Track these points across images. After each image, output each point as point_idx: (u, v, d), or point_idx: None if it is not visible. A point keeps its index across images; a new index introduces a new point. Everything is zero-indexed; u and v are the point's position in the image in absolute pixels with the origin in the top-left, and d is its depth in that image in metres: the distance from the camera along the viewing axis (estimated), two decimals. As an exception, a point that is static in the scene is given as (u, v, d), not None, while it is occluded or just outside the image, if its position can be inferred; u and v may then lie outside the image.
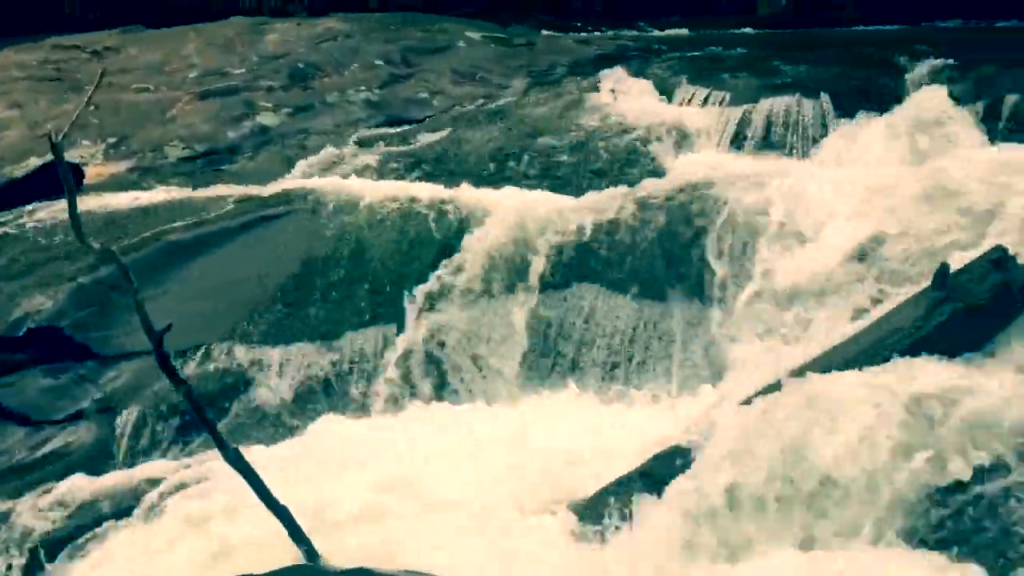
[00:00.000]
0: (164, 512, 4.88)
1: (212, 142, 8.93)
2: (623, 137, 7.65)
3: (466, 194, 6.82)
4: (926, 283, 4.77)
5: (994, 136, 6.63)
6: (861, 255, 5.47)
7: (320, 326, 6.17)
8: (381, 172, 7.71)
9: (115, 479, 5.29)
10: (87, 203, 7.24)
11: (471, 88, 9.66)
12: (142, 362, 5.84)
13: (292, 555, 4.30)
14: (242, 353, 6.03)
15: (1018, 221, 5.11)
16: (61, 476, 5.36)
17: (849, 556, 3.85)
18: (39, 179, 7.68)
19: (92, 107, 9.28)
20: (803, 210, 5.90)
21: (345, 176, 7.55)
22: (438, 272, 6.28)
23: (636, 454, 4.77)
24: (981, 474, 3.89)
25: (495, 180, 7.31)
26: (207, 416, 4.54)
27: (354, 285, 6.36)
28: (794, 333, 5.39)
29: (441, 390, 5.93)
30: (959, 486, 3.90)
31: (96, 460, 5.55)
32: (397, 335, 6.09)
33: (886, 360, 4.38)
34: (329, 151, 8.27)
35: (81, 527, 4.97)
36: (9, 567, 4.89)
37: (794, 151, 7.17)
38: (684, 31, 12.80)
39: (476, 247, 6.30)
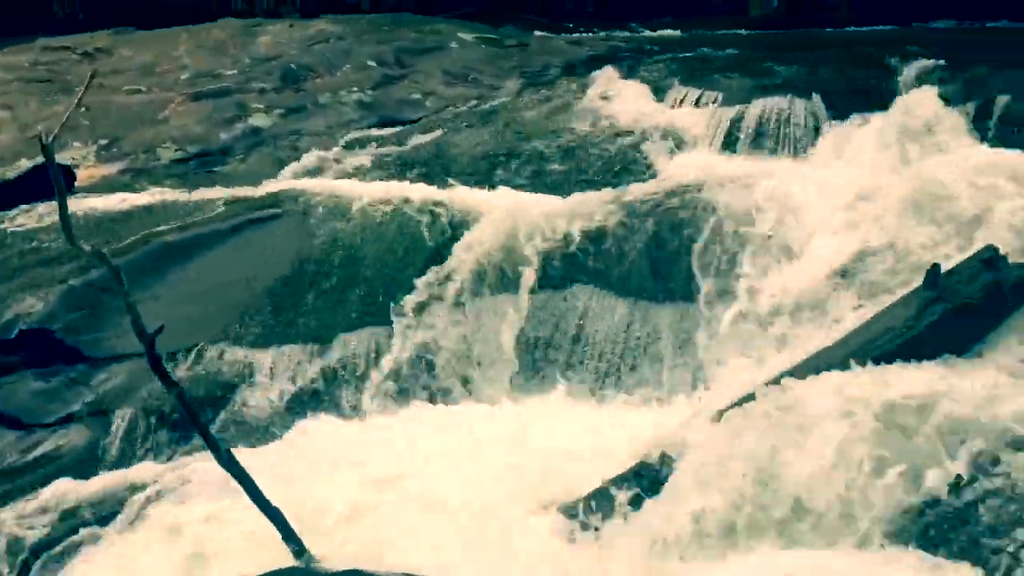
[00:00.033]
0: (147, 518, 4.86)
1: (204, 144, 8.92)
2: (615, 138, 7.66)
3: (459, 195, 6.82)
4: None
5: (985, 136, 6.65)
6: (844, 273, 5.40)
7: (312, 328, 6.16)
8: (373, 173, 7.70)
9: (102, 483, 5.27)
10: (78, 205, 7.22)
11: (464, 89, 9.67)
12: (133, 364, 5.83)
13: (280, 558, 4.28)
14: (234, 355, 6.02)
15: (1005, 226, 5.10)
16: (52, 479, 5.35)
17: (835, 556, 3.81)
18: (30, 181, 7.66)
19: (83, 109, 9.27)
20: (791, 219, 5.86)
21: (337, 177, 7.54)
22: (429, 274, 6.26)
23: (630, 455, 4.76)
24: (962, 478, 3.83)
25: (487, 181, 7.30)
26: (199, 418, 4.53)
27: (346, 287, 6.35)
28: (778, 350, 5.32)
29: (432, 392, 5.92)
30: (947, 482, 3.84)
31: (87, 463, 5.53)
32: (388, 337, 6.08)
33: (877, 361, 4.37)
34: (321, 152, 8.26)
35: (62, 535, 4.94)
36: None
37: (786, 152, 7.17)
38: (676, 32, 12.83)
39: (467, 251, 6.29)
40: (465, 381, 5.96)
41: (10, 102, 9.93)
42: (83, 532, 4.91)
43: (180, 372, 5.87)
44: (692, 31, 12.74)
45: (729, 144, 7.33)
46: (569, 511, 4.55)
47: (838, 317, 5.14)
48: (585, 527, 4.44)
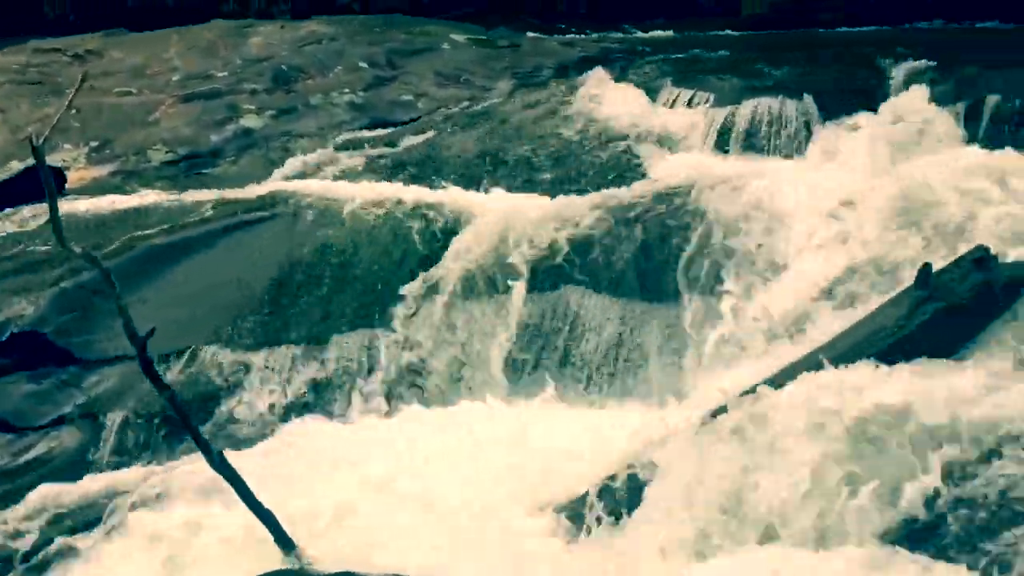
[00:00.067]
0: (127, 525, 4.83)
1: (195, 145, 8.91)
2: (607, 139, 7.66)
3: (451, 197, 6.82)
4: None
5: (976, 136, 6.67)
6: (830, 292, 5.36)
7: (304, 330, 6.14)
8: (365, 175, 7.69)
9: (85, 488, 5.24)
10: (69, 207, 7.19)
11: (455, 90, 9.67)
12: (125, 367, 5.81)
13: (260, 563, 4.26)
14: (226, 357, 6.00)
15: (989, 233, 5.10)
16: (43, 482, 5.33)
17: (825, 556, 3.78)
18: (20, 183, 7.64)
19: (74, 111, 9.25)
20: (779, 228, 5.84)
21: (329, 179, 7.53)
22: (421, 277, 6.26)
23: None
24: (944, 481, 3.77)
25: (479, 182, 7.30)
26: (190, 421, 4.52)
27: (339, 288, 6.34)
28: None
29: (424, 393, 5.91)
30: (924, 495, 3.78)
31: (78, 466, 5.51)
32: (382, 339, 6.07)
33: (868, 360, 4.37)
34: (313, 154, 8.25)
35: (42, 543, 4.91)
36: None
37: (778, 152, 7.19)
38: (669, 33, 12.85)
39: (459, 252, 6.29)
40: (457, 381, 5.95)
41: (0, 104, 9.90)
42: (62, 541, 4.87)
43: (172, 374, 5.86)
44: (684, 32, 12.77)
45: (721, 144, 7.35)
46: (568, 511, 4.54)
47: (822, 336, 5.05)
48: (585, 527, 4.43)
